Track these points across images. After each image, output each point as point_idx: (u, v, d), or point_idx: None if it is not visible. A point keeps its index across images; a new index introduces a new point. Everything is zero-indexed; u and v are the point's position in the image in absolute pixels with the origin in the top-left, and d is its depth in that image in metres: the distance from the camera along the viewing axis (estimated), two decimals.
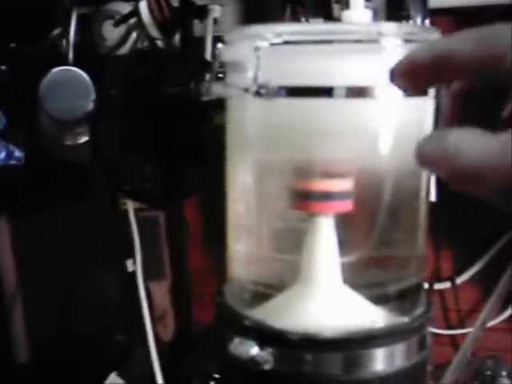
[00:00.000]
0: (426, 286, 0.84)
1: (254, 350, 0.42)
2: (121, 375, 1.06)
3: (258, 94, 0.40)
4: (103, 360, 1.09)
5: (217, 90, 0.45)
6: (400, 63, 0.35)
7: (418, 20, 0.65)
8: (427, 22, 0.66)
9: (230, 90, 0.45)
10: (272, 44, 0.41)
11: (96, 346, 1.12)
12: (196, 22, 0.91)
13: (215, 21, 0.92)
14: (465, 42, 0.33)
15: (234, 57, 0.45)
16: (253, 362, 0.41)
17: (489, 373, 0.93)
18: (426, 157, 0.34)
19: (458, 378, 0.85)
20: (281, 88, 0.41)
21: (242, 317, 0.44)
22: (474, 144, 0.31)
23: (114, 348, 1.13)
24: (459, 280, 1.02)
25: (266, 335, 0.42)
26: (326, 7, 0.79)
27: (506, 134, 0.31)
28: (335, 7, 0.76)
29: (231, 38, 0.45)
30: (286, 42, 0.41)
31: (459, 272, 1.03)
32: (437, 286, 1.02)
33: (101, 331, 1.12)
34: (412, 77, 0.35)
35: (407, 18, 0.65)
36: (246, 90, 0.40)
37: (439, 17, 0.81)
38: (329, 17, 0.79)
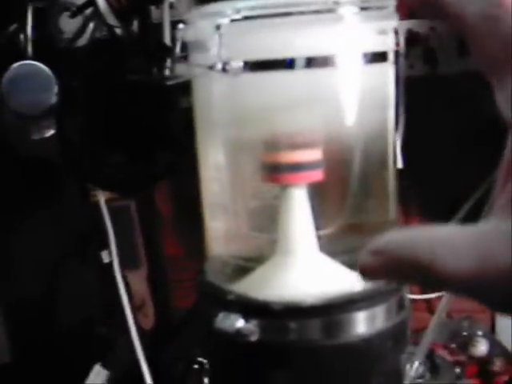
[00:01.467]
0: None
1: (240, 323, 0.43)
2: (105, 366, 1.06)
3: (223, 70, 0.40)
4: (86, 352, 1.09)
5: (181, 71, 0.46)
6: None
7: None
8: None
9: (195, 70, 0.45)
10: (232, 20, 0.41)
11: (78, 339, 1.12)
12: (152, 8, 0.91)
13: (171, 6, 0.92)
14: None
15: (195, 36, 0.45)
16: (239, 334, 0.42)
17: (465, 334, 0.95)
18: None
19: (436, 341, 0.87)
20: (245, 63, 0.41)
21: (225, 292, 0.45)
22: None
23: (96, 340, 1.13)
24: None
25: (250, 307, 0.43)
26: None
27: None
28: None
29: (191, 17, 0.46)
30: (246, 18, 0.41)
31: None
32: None
33: (82, 324, 1.12)
34: None
35: None
36: (211, 68, 0.41)
37: None
38: None
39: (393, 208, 0.48)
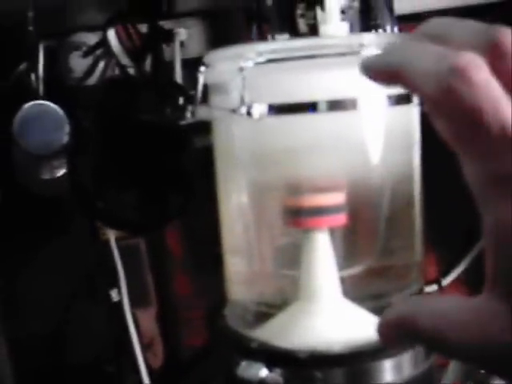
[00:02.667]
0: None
1: (263, 372, 0.41)
2: None
3: (248, 114, 0.39)
4: None
5: (201, 113, 0.45)
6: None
7: (388, 28, 0.66)
8: (396, 29, 0.67)
9: (216, 113, 0.44)
10: (256, 63, 0.40)
11: (87, 378, 1.11)
12: (163, 46, 0.91)
13: (182, 44, 0.92)
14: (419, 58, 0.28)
15: (216, 78, 0.45)
16: None
17: (481, 371, 0.94)
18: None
19: (453, 381, 0.85)
20: (268, 106, 0.40)
21: (247, 339, 0.44)
22: None
23: (105, 379, 1.11)
24: (445, 282, 1.03)
25: (273, 356, 0.42)
26: (291, 23, 0.80)
27: None
28: (300, 22, 0.77)
29: (212, 59, 0.45)
30: (270, 61, 0.41)
31: (444, 274, 1.03)
32: (424, 289, 1.03)
33: (90, 363, 1.11)
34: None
35: (376, 27, 0.65)
36: (234, 112, 0.40)
37: (406, 23, 0.82)
38: (294, 32, 0.79)
39: (418, 249, 0.47)
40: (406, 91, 0.40)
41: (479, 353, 0.27)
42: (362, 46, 0.40)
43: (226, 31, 0.98)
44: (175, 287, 1.16)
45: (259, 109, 0.40)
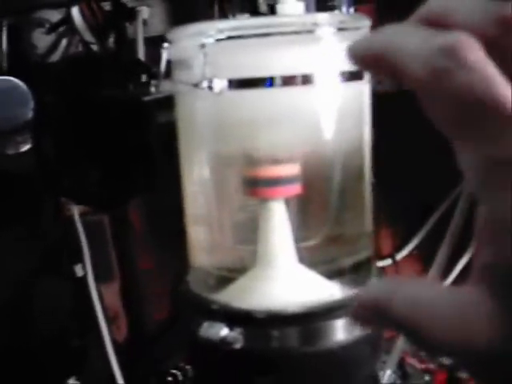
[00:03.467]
0: None
1: (224, 331, 0.44)
2: (79, 379, 1.06)
3: (209, 88, 0.42)
4: (60, 365, 1.09)
5: (165, 87, 0.47)
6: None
7: (344, 9, 0.68)
8: (352, 10, 0.69)
9: (179, 87, 0.47)
10: (217, 40, 0.43)
11: (52, 352, 1.12)
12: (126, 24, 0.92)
13: (144, 22, 0.93)
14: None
15: (180, 55, 0.47)
16: (224, 342, 0.43)
17: None
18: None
19: (406, 350, 0.89)
20: (228, 81, 0.43)
21: (209, 301, 0.46)
22: None
23: (70, 352, 1.13)
24: (399, 256, 1.06)
25: (234, 316, 0.45)
26: (252, 3, 0.82)
27: None
28: (261, 2, 0.79)
29: (175, 36, 0.47)
30: (230, 37, 0.43)
31: (398, 248, 1.07)
32: (378, 264, 1.06)
33: (55, 337, 1.12)
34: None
35: (333, 8, 0.68)
36: (196, 86, 0.42)
37: (364, 4, 0.84)
38: (255, 12, 0.81)
39: (369, 220, 0.50)
40: (357, 68, 0.43)
41: (457, 350, 0.26)
42: (315, 24, 0.43)
43: (188, 10, 0.99)
44: (138, 262, 1.18)
45: (219, 83, 0.42)
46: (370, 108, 0.50)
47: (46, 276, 1.13)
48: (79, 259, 1.06)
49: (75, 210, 1.02)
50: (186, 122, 0.48)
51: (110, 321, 1.14)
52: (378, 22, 0.91)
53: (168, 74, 0.47)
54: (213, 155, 0.47)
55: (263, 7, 0.79)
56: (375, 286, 0.28)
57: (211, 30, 0.43)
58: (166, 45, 0.46)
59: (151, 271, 1.16)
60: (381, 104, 0.60)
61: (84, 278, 1.06)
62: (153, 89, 0.47)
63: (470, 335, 0.25)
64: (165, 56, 0.46)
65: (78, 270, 1.08)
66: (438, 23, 0.26)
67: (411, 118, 0.96)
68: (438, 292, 0.27)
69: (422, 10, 0.27)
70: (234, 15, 0.91)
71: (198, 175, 0.48)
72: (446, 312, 0.26)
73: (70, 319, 1.13)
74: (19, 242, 1.08)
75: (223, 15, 0.92)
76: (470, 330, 0.25)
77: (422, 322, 0.26)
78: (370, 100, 0.50)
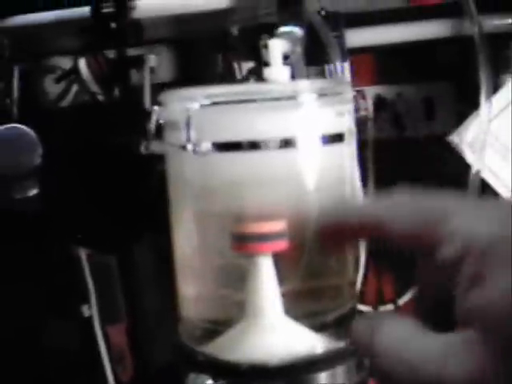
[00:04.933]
0: (371, 309, 0.89)
1: (209, 383, 0.46)
2: None
3: (194, 151, 0.44)
4: None
5: (155, 147, 0.50)
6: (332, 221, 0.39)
7: (338, 63, 0.71)
8: (346, 64, 0.72)
9: (167, 148, 0.49)
10: (202, 105, 0.45)
11: None
12: (133, 71, 0.95)
13: (152, 70, 0.96)
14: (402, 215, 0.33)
15: (168, 117, 0.49)
16: None
17: None
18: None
19: None
20: (213, 145, 0.45)
21: (195, 353, 0.48)
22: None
23: None
24: (401, 301, 1.06)
25: (218, 368, 0.46)
26: (255, 52, 0.84)
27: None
28: (264, 52, 0.81)
29: (166, 99, 0.50)
30: (215, 103, 0.45)
31: (400, 293, 1.07)
32: (381, 309, 1.06)
33: (61, 377, 1.13)
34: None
35: (327, 62, 0.70)
36: (183, 148, 0.45)
37: (361, 54, 0.86)
38: (258, 60, 0.84)
39: (351, 271, 0.51)
40: (338, 131, 0.45)
41: None
42: (297, 91, 0.45)
43: (194, 58, 1.02)
44: (145, 303, 1.19)
45: (204, 146, 0.44)
46: (371, 155, 0.52)
47: (52, 316, 1.15)
48: (86, 300, 1.08)
49: (82, 252, 1.04)
50: (175, 180, 0.50)
51: (116, 362, 1.15)
52: (377, 71, 0.94)
53: (159, 133, 0.50)
54: (199, 212, 0.49)
55: (266, 56, 0.82)
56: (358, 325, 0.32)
57: (198, 96, 0.45)
58: (155, 107, 0.49)
59: (158, 313, 1.17)
60: (380, 152, 0.61)
61: (90, 319, 1.07)
62: (143, 149, 0.49)
63: (463, 374, 0.27)
64: (154, 117, 0.48)
65: (85, 311, 1.09)
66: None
67: (410, 166, 0.98)
68: (424, 333, 0.29)
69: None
70: (238, 64, 0.94)
71: (185, 230, 0.50)
72: (436, 352, 0.28)
73: (76, 359, 1.14)
74: (27, 282, 1.10)
75: (228, 63, 0.94)
76: (464, 370, 0.27)
77: (404, 362, 0.28)
78: (372, 148, 0.51)
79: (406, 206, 0.34)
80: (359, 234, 0.40)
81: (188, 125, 0.44)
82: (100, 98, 0.89)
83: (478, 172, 0.71)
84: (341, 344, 0.48)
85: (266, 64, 0.51)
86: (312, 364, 0.47)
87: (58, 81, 0.92)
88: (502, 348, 0.26)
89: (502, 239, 0.27)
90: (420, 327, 0.31)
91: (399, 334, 0.31)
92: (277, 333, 0.49)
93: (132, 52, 0.92)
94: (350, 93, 0.48)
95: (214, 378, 0.46)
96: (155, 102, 0.91)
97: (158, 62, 0.97)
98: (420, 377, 0.28)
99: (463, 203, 0.32)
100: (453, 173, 0.83)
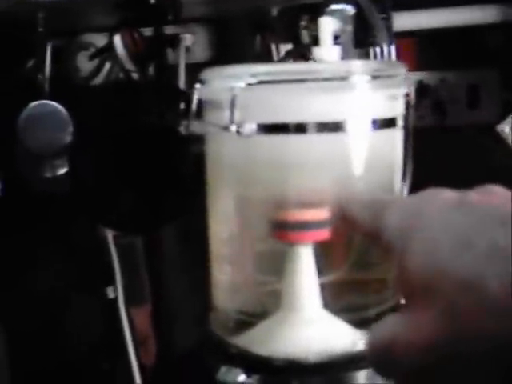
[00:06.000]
0: None
1: (241, 378, 0.43)
2: None
3: (237, 132, 0.41)
4: None
5: (195, 127, 0.47)
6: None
7: (385, 46, 0.68)
8: (393, 47, 0.69)
9: (209, 128, 0.46)
10: (248, 84, 0.42)
11: (81, 373, 1.12)
12: (169, 50, 0.93)
13: (187, 49, 0.94)
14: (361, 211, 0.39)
15: (211, 96, 0.47)
16: None
17: None
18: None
19: None
20: (258, 126, 0.42)
21: (227, 345, 0.45)
22: None
23: (98, 374, 1.13)
24: None
25: (252, 362, 0.44)
26: (294, 34, 0.81)
27: None
28: (304, 33, 0.79)
29: (207, 76, 0.47)
30: (261, 82, 0.43)
31: None
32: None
33: (84, 358, 1.13)
34: None
35: (374, 44, 0.67)
36: (225, 129, 0.42)
37: (405, 38, 0.83)
38: (297, 42, 0.81)
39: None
40: (390, 116, 0.43)
41: None
42: (349, 72, 0.43)
43: (231, 38, 0.99)
44: (170, 286, 1.18)
45: (249, 127, 0.42)
46: (411, 144, 0.49)
47: (78, 296, 1.14)
48: (111, 281, 1.06)
49: (109, 233, 1.03)
50: (215, 162, 0.48)
51: (139, 344, 1.14)
52: (420, 56, 0.91)
53: (199, 113, 0.47)
54: (239, 197, 0.47)
55: (306, 38, 0.79)
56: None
57: (243, 74, 0.43)
58: (197, 85, 0.46)
59: (184, 296, 1.16)
60: (421, 140, 0.59)
61: (115, 300, 1.06)
62: (183, 129, 0.46)
63: None
64: (196, 96, 0.46)
65: (110, 292, 1.08)
66: None
67: (452, 155, 0.95)
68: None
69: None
70: (276, 45, 0.91)
71: (223, 215, 0.48)
72: None
73: (100, 341, 1.13)
74: (54, 262, 1.09)
75: (265, 45, 0.92)
76: None
77: None
78: (412, 136, 0.49)
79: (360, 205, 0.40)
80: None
81: (232, 104, 0.42)
82: (134, 76, 0.88)
83: None
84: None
85: (316, 43, 0.48)
86: (351, 361, 0.44)
87: (91, 58, 0.90)
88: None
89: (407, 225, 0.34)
90: None
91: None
92: (314, 327, 0.46)
93: (168, 30, 0.90)
94: (403, 75, 0.45)
95: (247, 373, 0.44)
96: (190, 81, 0.90)
97: (193, 42, 0.95)
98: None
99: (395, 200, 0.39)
100: (498, 164, 0.80)
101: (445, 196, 0.35)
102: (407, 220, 0.34)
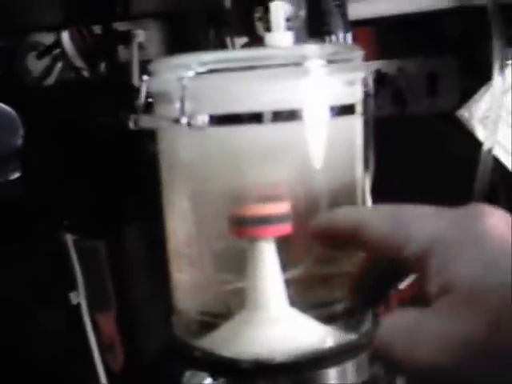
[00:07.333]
0: None
1: (207, 381, 0.42)
2: None
3: (189, 124, 0.39)
4: None
5: (145, 122, 0.45)
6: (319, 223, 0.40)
7: (340, 34, 0.66)
8: (349, 35, 0.67)
9: (159, 122, 0.44)
10: (197, 73, 0.40)
11: (46, 382, 1.10)
12: (121, 47, 0.91)
13: (140, 45, 0.92)
14: (376, 220, 0.37)
15: (159, 88, 0.45)
16: None
17: None
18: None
19: None
20: (210, 117, 0.40)
21: (191, 348, 0.43)
22: None
23: (64, 381, 1.11)
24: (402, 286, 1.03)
25: (217, 365, 0.42)
26: (249, 26, 0.80)
27: None
28: (258, 25, 0.77)
29: (156, 68, 0.45)
30: (211, 71, 0.41)
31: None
32: None
33: (49, 365, 1.10)
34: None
35: (329, 33, 0.66)
36: (176, 122, 0.40)
37: (361, 27, 0.82)
38: (252, 35, 0.79)
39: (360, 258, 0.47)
40: (349, 102, 0.41)
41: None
42: (304, 57, 0.41)
43: (185, 33, 0.97)
44: (135, 290, 1.15)
45: (201, 119, 0.40)
46: (371, 132, 0.48)
47: (39, 304, 1.11)
48: (74, 287, 1.04)
49: (69, 236, 1.00)
50: (168, 158, 0.46)
51: (106, 349, 1.12)
52: (378, 45, 0.89)
53: (149, 107, 0.45)
54: (195, 193, 0.45)
55: (261, 30, 0.77)
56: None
57: (192, 63, 0.40)
58: (145, 77, 0.44)
59: (149, 299, 1.14)
60: (381, 129, 0.57)
61: (78, 306, 1.04)
62: (131, 123, 0.44)
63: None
64: (144, 89, 0.44)
65: (73, 298, 1.06)
66: None
67: (412, 144, 0.94)
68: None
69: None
70: (231, 39, 0.89)
71: (180, 213, 0.46)
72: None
73: (64, 347, 1.11)
74: (12, 268, 1.06)
75: (220, 39, 0.90)
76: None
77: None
78: (372, 126, 0.48)
79: (378, 215, 0.38)
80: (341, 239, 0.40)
81: (182, 95, 0.40)
82: (85, 74, 0.85)
83: (490, 149, 0.67)
84: (351, 337, 0.44)
85: (268, 29, 0.46)
86: (320, 359, 0.42)
87: (40, 57, 0.87)
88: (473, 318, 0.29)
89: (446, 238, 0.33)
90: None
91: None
92: (281, 325, 0.44)
93: (120, 27, 0.88)
94: (361, 59, 0.43)
95: (213, 376, 0.42)
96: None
97: (146, 38, 0.93)
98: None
99: (421, 212, 0.36)
100: (460, 151, 0.79)
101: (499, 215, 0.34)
102: (451, 232, 0.33)
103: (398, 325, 0.33)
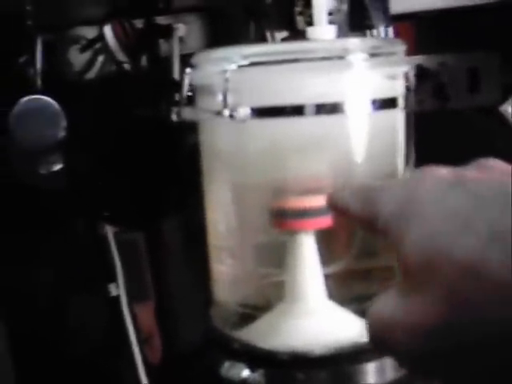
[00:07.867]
0: None
1: (245, 373, 0.42)
2: None
3: (231, 117, 0.40)
4: None
5: (187, 114, 0.45)
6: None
7: (381, 28, 0.66)
8: (390, 29, 0.67)
9: (201, 114, 0.45)
10: (240, 66, 0.41)
11: (85, 373, 1.11)
12: (162, 41, 0.91)
13: (181, 39, 0.92)
14: (352, 198, 0.36)
15: (202, 80, 0.45)
16: None
17: None
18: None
19: None
20: (252, 110, 0.40)
21: (230, 340, 0.44)
22: None
23: (103, 374, 1.12)
24: None
25: (255, 357, 0.42)
26: (289, 20, 0.80)
27: None
28: (299, 20, 0.77)
29: (198, 61, 0.45)
30: (254, 64, 0.41)
31: None
32: None
33: (89, 357, 1.11)
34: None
35: (370, 27, 0.65)
36: (218, 114, 0.40)
37: (402, 22, 0.81)
38: (292, 29, 0.79)
39: None
40: (391, 96, 0.41)
41: None
42: (346, 50, 0.41)
43: (225, 27, 0.98)
44: (174, 281, 1.16)
45: (242, 112, 0.40)
46: (411, 128, 0.47)
47: (80, 294, 1.12)
48: (113, 278, 1.05)
49: (109, 229, 1.01)
50: (209, 150, 0.46)
51: (143, 341, 1.13)
52: (419, 39, 0.88)
53: (192, 99, 0.45)
54: (236, 185, 0.45)
55: (301, 25, 0.77)
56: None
57: (235, 56, 0.41)
58: (188, 70, 0.44)
59: (188, 291, 1.14)
60: (422, 124, 0.57)
61: (118, 298, 1.05)
62: (174, 115, 0.44)
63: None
64: (187, 81, 0.44)
65: (112, 289, 1.07)
66: None
67: (453, 139, 0.93)
68: None
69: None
70: (271, 33, 0.89)
71: (220, 203, 0.46)
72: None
73: (103, 339, 1.12)
74: (53, 260, 1.08)
75: (260, 32, 0.90)
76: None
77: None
78: (412, 120, 0.47)
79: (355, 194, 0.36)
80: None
81: (224, 88, 0.40)
82: (127, 68, 0.86)
83: None
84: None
85: (309, 23, 0.46)
86: (358, 353, 0.42)
87: (82, 50, 0.88)
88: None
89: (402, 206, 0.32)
90: None
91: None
92: (319, 318, 0.44)
93: (161, 21, 0.88)
94: (403, 54, 0.43)
95: (251, 368, 0.42)
96: (185, 72, 0.88)
97: (187, 32, 0.93)
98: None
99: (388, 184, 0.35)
100: (502, 146, 0.78)
101: (440, 174, 0.32)
102: (402, 204, 0.32)
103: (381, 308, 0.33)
